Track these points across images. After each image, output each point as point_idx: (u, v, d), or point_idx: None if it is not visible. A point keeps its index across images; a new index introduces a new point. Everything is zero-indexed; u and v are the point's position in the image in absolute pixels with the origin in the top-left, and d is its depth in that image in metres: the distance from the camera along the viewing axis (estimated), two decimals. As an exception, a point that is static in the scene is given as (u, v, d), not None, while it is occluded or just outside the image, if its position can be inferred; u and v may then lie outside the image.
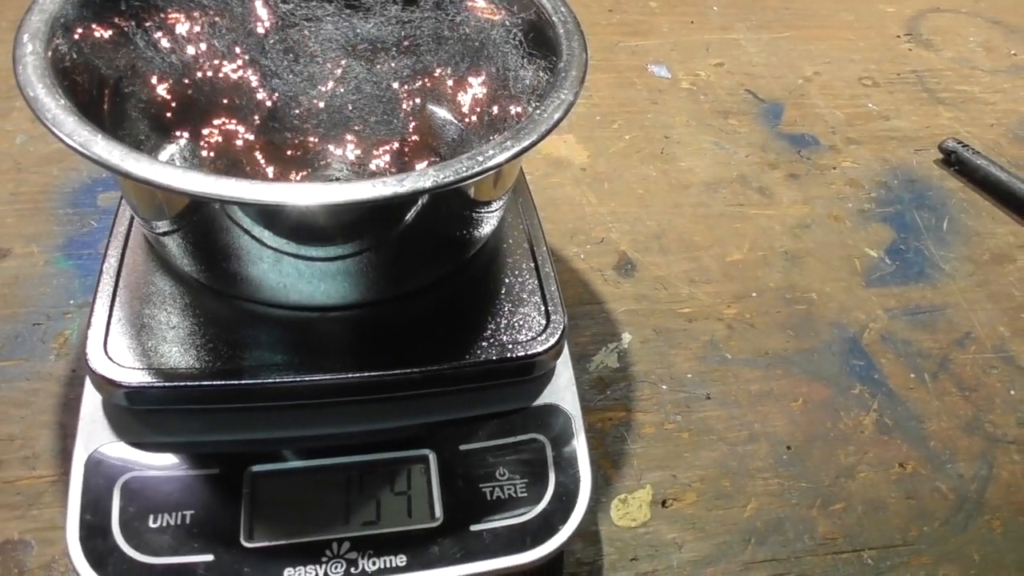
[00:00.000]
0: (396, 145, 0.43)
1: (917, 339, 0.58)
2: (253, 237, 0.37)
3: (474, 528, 0.39)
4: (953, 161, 0.73)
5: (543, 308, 0.44)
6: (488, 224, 0.44)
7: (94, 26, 0.38)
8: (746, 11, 0.92)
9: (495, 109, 0.44)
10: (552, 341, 0.42)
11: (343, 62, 0.40)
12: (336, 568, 0.37)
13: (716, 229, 0.64)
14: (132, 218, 0.45)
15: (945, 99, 0.82)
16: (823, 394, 0.53)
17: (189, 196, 0.34)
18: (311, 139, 0.41)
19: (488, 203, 0.43)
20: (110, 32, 0.39)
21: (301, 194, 0.32)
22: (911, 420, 0.52)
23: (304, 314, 0.42)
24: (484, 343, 0.42)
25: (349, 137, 0.42)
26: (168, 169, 0.32)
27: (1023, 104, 0.82)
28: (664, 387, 0.53)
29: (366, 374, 0.40)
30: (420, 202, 0.37)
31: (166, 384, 0.39)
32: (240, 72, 0.39)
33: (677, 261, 0.61)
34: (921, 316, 0.59)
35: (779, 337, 0.57)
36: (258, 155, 0.41)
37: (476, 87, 0.44)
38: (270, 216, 0.36)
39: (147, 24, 0.39)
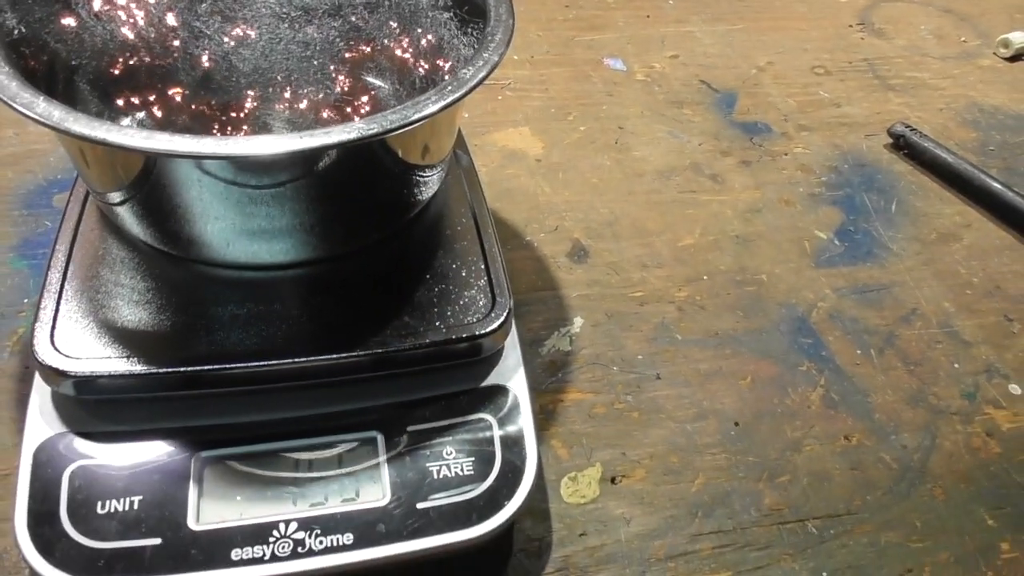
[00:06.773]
0: (334, 105, 0.44)
1: (864, 317, 0.59)
2: (199, 188, 0.38)
3: (420, 506, 0.40)
4: (902, 145, 0.74)
5: (489, 290, 0.45)
6: (427, 182, 0.45)
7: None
8: (701, 4, 0.93)
9: (428, 72, 0.45)
10: (498, 322, 0.43)
11: (278, 27, 0.41)
12: (283, 548, 0.38)
13: (668, 215, 0.65)
14: (80, 213, 0.45)
15: (896, 86, 0.84)
16: (771, 372, 0.54)
17: (126, 150, 0.35)
18: (248, 101, 0.42)
19: (423, 156, 0.43)
20: (55, 5, 0.39)
21: (237, 145, 0.33)
22: (857, 395, 0.54)
23: (250, 274, 0.43)
24: (431, 326, 0.43)
25: (286, 98, 0.43)
26: (106, 126, 0.33)
27: (972, 89, 0.84)
28: (615, 368, 0.53)
29: (315, 358, 0.41)
30: (354, 153, 0.38)
31: (113, 373, 0.39)
32: (176, 38, 0.40)
33: (630, 247, 0.62)
34: (869, 294, 0.61)
35: (729, 318, 0.58)
36: (202, 118, 0.43)
37: (408, 51, 0.45)
38: (212, 168, 0.37)
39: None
